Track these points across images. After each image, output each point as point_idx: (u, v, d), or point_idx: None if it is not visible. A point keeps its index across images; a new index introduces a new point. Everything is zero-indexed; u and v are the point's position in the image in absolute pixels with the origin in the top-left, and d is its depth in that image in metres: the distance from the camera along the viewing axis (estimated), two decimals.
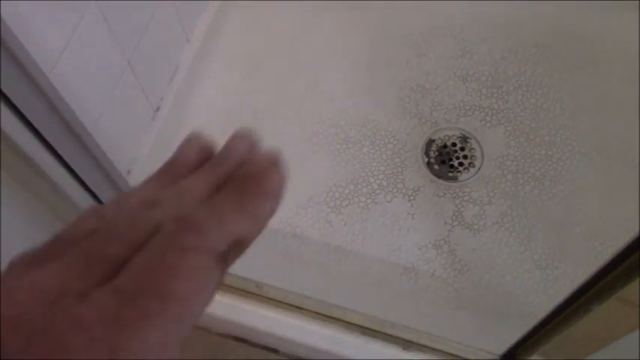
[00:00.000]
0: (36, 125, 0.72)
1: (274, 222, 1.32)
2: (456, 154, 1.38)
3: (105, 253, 0.23)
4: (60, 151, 0.81)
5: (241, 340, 1.23)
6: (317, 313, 1.13)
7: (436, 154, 1.38)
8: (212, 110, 1.45)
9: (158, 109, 1.35)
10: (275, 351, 1.21)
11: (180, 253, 0.22)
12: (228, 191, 0.25)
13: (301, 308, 1.13)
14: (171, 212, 0.24)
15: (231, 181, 0.26)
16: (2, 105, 0.66)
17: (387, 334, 1.10)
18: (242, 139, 0.29)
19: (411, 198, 1.34)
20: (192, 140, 0.29)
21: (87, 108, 1.06)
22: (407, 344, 1.09)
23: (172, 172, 0.28)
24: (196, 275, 0.22)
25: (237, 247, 0.25)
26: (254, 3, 1.55)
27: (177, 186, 0.27)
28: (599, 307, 0.69)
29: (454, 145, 1.39)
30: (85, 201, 0.90)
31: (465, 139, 1.39)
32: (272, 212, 0.26)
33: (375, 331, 1.11)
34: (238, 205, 0.25)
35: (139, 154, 1.30)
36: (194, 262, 0.22)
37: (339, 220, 1.32)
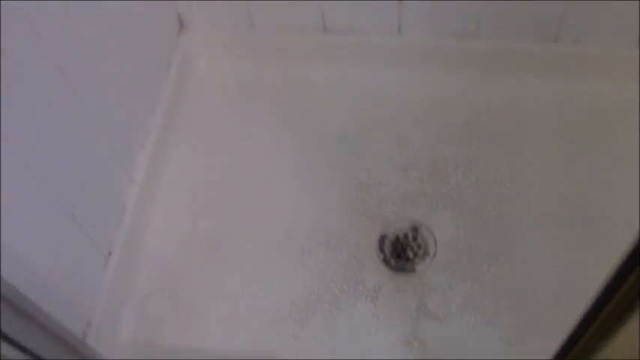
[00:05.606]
0: None
1: (241, 345, 1.30)
2: (410, 245, 1.40)
3: None
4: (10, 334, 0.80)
5: None
6: None
7: (390, 249, 1.40)
8: (165, 242, 1.45)
9: (110, 253, 1.35)
10: None
11: None
12: None
13: None
14: None
15: None
16: None
17: None
18: None
19: (374, 298, 1.34)
20: None
21: (30, 278, 1.05)
22: None
23: None
24: None
25: None
26: (188, 135, 1.60)
27: None
28: None
29: (406, 236, 1.41)
30: None
31: (415, 228, 1.42)
32: None
33: None
34: None
35: (95, 304, 1.29)
36: None
37: (306, 334, 1.32)
